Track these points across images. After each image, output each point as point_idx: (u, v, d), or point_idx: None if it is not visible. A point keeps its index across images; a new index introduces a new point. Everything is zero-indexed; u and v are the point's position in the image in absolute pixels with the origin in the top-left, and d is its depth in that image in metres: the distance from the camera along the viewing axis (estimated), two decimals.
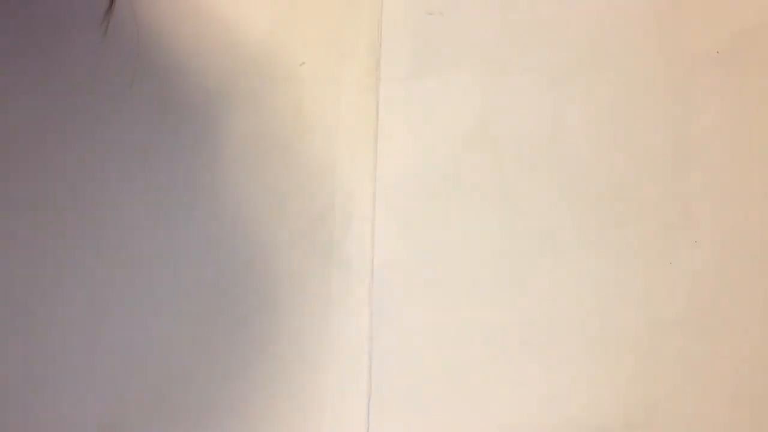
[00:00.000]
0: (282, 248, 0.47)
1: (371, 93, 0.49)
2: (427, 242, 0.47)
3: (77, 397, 0.45)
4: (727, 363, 0.46)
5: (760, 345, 0.46)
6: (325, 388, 0.45)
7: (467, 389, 0.45)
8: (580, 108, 0.49)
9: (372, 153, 0.48)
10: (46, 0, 0.49)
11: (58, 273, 0.46)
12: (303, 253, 0.47)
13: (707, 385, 0.46)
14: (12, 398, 0.45)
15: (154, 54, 0.49)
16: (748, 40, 0.51)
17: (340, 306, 0.46)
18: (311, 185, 0.48)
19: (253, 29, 0.50)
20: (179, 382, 0.45)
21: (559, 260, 0.47)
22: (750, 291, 0.46)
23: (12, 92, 0.48)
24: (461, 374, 0.46)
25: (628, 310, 0.47)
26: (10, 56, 0.48)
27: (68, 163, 0.47)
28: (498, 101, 0.49)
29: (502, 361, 0.46)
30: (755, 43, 0.50)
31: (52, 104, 0.48)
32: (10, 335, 0.45)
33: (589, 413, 0.45)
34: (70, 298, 0.46)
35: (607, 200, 0.48)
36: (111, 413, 0.45)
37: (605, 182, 0.48)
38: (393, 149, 0.48)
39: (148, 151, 0.48)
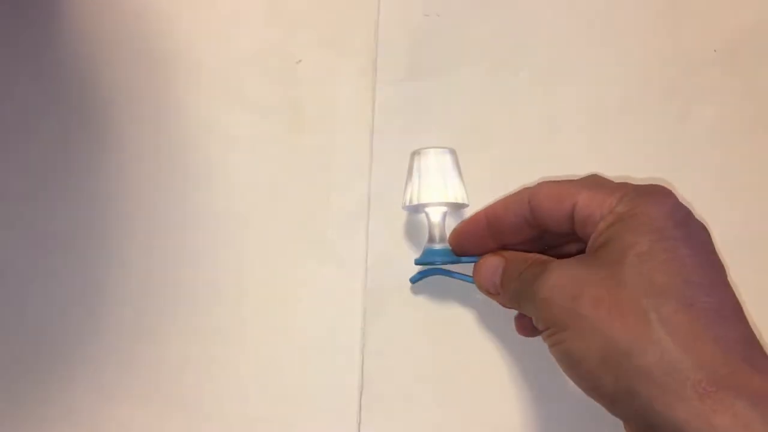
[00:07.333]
0: (276, 245, 0.47)
1: (367, 92, 0.49)
2: (421, 241, 0.47)
3: None
4: None
5: None
6: (318, 384, 0.45)
7: (458, 387, 0.45)
8: (575, 108, 0.49)
9: (367, 152, 0.49)
10: None
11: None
12: (297, 249, 0.47)
13: None
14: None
15: (152, 49, 0.50)
16: (745, 39, 0.50)
17: (333, 302, 0.46)
18: (306, 183, 0.48)
19: (250, 27, 0.51)
20: (171, 374, 0.45)
21: None
22: (746, 289, 0.46)
23: None
24: (453, 372, 0.45)
25: None
26: None
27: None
28: (493, 102, 0.49)
29: (494, 359, 0.46)
30: (752, 42, 0.50)
31: None
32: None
33: (582, 413, 0.44)
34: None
35: None
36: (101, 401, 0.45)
37: None
38: (388, 148, 0.48)
39: (145, 147, 0.49)
